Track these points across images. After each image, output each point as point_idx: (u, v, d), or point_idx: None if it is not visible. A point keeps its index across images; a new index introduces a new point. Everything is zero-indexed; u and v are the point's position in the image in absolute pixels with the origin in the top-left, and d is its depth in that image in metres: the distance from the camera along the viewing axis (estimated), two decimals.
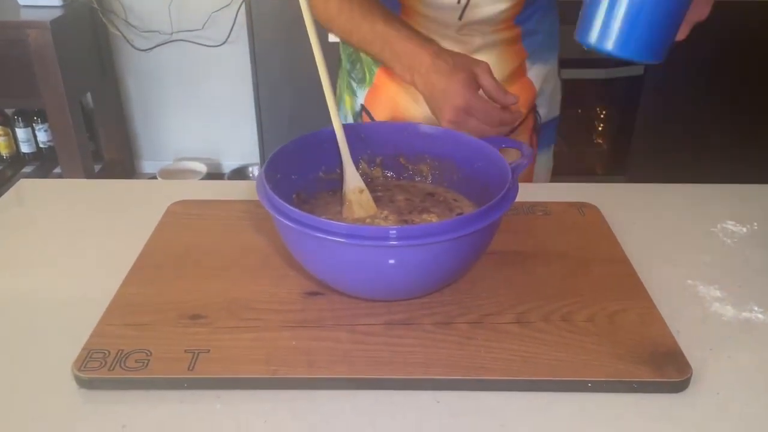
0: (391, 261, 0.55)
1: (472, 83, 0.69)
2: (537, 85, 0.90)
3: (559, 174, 1.04)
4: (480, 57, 0.83)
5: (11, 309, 0.63)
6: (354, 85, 0.94)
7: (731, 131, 2.21)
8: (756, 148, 2.17)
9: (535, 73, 0.89)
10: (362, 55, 0.90)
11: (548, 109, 0.94)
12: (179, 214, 0.75)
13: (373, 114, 0.93)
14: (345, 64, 0.95)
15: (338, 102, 0.99)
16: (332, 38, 0.74)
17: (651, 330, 0.58)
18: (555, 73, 0.94)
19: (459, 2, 0.80)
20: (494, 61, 0.84)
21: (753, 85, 2.12)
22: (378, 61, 0.83)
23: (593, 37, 0.53)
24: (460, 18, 0.82)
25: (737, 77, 2.12)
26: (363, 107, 0.93)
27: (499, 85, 0.70)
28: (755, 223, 0.77)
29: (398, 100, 0.89)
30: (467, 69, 0.70)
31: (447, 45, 0.82)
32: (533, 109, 0.91)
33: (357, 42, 0.80)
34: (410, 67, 0.72)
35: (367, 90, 0.92)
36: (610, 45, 0.53)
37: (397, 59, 0.74)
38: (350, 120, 0.96)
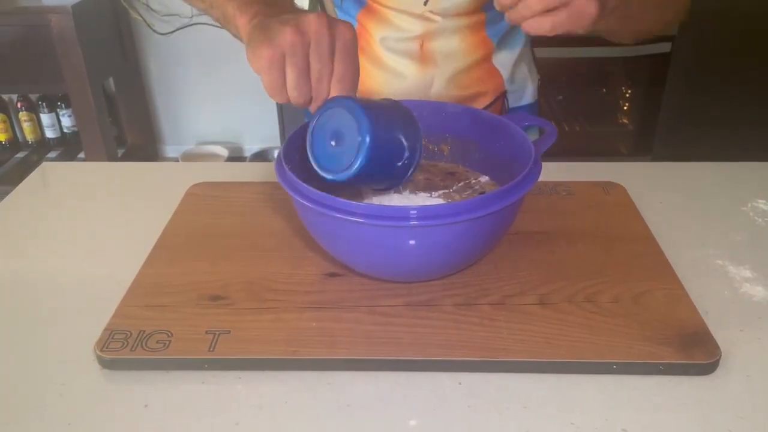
0: (412, 241, 0.54)
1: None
2: (504, 72, 0.87)
3: (583, 155, 1.01)
4: (441, 41, 0.81)
5: (34, 290, 0.63)
6: None
7: (761, 108, 2.15)
8: None
9: (501, 59, 0.86)
10: None
11: (520, 95, 0.91)
12: (199, 196, 0.75)
13: None
14: None
15: None
16: None
17: (678, 311, 0.56)
18: (527, 59, 0.90)
19: None
20: (456, 47, 0.82)
21: None
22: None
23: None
24: (425, 3, 0.80)
25: (766, 53, 2.06)
26: None
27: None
28: None
29: (362, 74, 0.85)
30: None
31: (407, 26, 0.81)
32: (502, 95, 0.88)
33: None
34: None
35: None
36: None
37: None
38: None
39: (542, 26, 0.54)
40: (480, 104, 0.88)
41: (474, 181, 0.68)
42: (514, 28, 0.86)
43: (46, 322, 0.59)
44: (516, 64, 0.88)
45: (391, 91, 0.85)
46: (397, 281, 0.60)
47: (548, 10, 0.53)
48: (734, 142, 2.15)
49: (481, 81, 0.86)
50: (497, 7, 0.56)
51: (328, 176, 0.55)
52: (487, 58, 0.85)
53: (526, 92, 0.92)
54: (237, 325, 0.55)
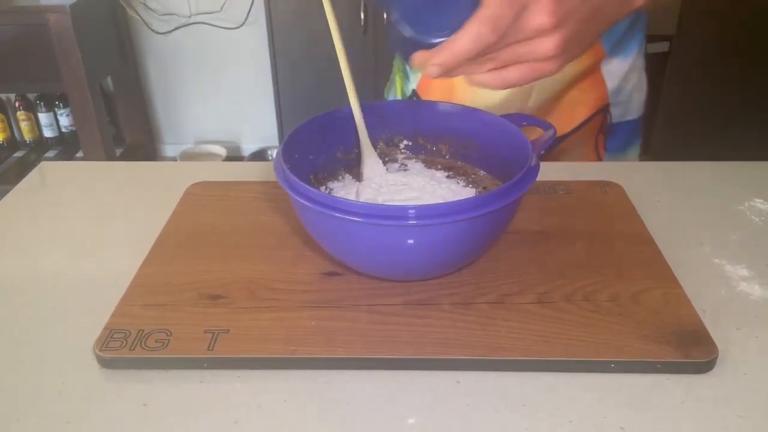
0: (410, 241, 0.54)
1: None
2: (612, 82, 0.79)
3: None
4: None
5: (33, 289, 0.63)
6: (408, 69, 0.90)
7: (758, 108, 2.15)
8: None
9: (612, 68, 0.77)
10: None
11: (625, 108, 0.82)
12: (198, 195, 0.76)
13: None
14: None
15: (389, 84, 0.95)
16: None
17: (676, 310, 0.56)
18: (639, 67, 0.81)
19: None
20: None
21: None
22: None
23: None
24: None
25: (764, 52, 2.07)
26: (414, 92, 0.90)
27: None
28: None
29: (454, 88, 0.82)
30: None
31: None
32: (604, 109, 0.80)
33: None
34: None
35: (420, 75, 0.88)
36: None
37: None
38: None
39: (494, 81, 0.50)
40: (578, 118, 0.79)
41: (474, 175, 0.68)
42: (630, 31, 0.75)
43: (45, 321, 0.59)
44: (627, 73, 0.79)
45: (488, 103, 0.78)
46: (396, 280, 0.60)
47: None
48: (732, 141, 2.16)
49: (583, 92, 0.77)
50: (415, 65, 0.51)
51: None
52: (594, 67, 0.76)
53: (632, 105, 0.83)
54: (236, 324, 0.55)
